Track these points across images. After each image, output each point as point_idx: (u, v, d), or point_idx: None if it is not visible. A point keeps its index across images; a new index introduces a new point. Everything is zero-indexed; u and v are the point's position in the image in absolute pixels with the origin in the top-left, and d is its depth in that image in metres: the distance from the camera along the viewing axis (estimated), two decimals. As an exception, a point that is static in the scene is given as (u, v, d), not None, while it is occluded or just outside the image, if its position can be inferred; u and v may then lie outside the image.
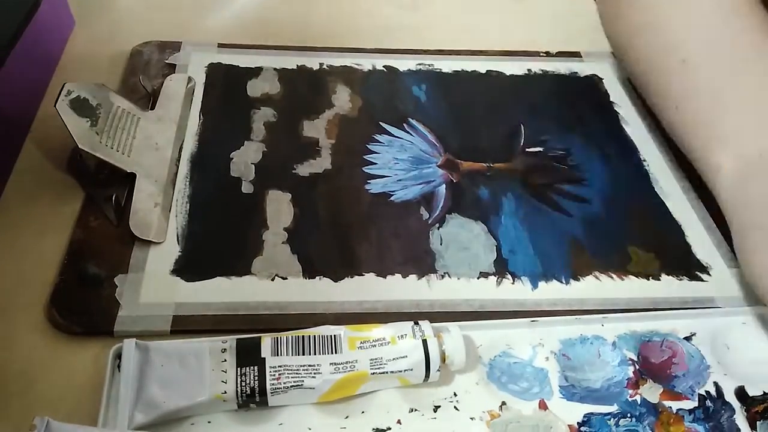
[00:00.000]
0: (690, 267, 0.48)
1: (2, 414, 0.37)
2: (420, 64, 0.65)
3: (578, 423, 0.38)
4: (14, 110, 0.53)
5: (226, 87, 0.60)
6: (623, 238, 0.50)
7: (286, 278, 0.45)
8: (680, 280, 0.47)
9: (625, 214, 0.52)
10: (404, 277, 0.46)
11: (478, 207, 0.51)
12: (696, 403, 0.40)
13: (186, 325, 0.41)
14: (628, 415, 0.39)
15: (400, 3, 0.75)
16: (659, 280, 0.47)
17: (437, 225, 0.50)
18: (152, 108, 0.55)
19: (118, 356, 0.38)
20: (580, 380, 0.40)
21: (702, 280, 0.47)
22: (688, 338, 0.43)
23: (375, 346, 0.38)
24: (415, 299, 0.44)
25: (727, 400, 0.40)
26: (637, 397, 0.40)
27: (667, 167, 0.56)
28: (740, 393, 0.40)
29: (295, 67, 0.63)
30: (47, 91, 0.58)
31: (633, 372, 0.41)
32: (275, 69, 0.62)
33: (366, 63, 0.64)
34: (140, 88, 0.58)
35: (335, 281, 0.45)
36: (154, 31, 0.65)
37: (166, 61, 0.62)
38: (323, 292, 0.44)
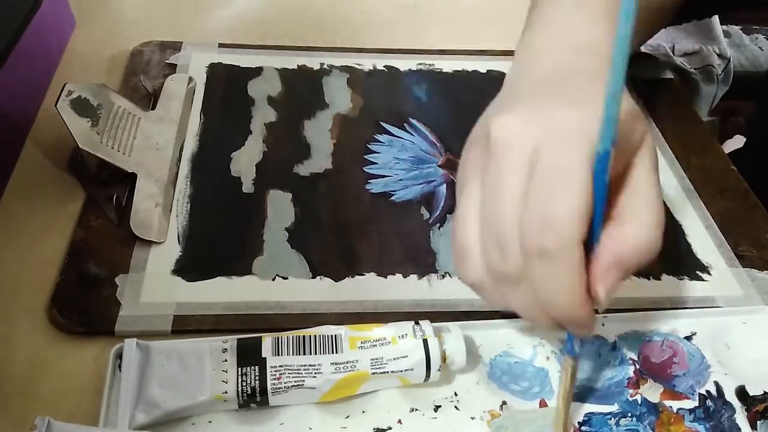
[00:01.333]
0: (690, 267, 0.48)
1: (3, 414, 0.37)
2: (420, 64, 0.65)
3: (579, 423, 0.38)
4: (14, 110, 0.53)
5: (226, 87, 0.60)
6: (624, 238, 0.50)
7: (287, 278, 0.45)
8: (680, 279, 0.47)
9: (626, 213, 0.52)
10: (405, 276, 0.46)
11: (478, 207, 0.51)
12: (696, 403, 0.40)
13: (187, 325, 0.41)
14: (629, 414, 0.39)
15: (401, 3, 0.75)
16: (659, 279, 0.47)
17: (438, 225, 0.50)
18: (153, 108, 0.55)
19: (119, 356, 0.38)
20: (580, 380, 0.40)
21: (702, 280, 0.47)
22: (688, 338, 0.43)
23: (376, 345, 0.38)
24: (415, 299, 0.44)
25: (727, 399, 0.40)
26: (638, 397, 0.40)
27: (668, 167, 0.56)
28: (741, 392, 0.40)
29: (295, 67, 0.63)
30: (48, 91, 0.58)
31: (633, 371, 0.41)
32: (276, 69, 0.62)
33: (367, 63, 0.64)
34: (141, 88, 0.58)
35: (336, 281, 0.45)
36: (154, 31, 0.65)
37: (167, 61, 0.62)
38: (324, 291, 0.44)
